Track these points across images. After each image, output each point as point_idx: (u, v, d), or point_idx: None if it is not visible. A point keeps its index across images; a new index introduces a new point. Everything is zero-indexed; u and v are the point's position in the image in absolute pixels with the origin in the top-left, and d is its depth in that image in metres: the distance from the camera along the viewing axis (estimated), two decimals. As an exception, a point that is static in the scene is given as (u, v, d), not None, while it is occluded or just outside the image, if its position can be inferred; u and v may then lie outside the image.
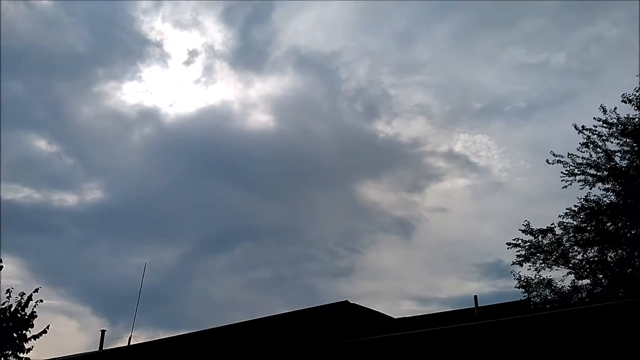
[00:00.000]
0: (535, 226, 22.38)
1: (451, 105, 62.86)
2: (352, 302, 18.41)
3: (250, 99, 64.07)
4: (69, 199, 54.24)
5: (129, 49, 60.29)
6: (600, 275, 22.18)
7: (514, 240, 22.64)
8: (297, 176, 57.29)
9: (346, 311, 18.40)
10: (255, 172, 56.43)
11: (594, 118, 20.63)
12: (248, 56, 65.44)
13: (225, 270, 52.53)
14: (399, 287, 51.89)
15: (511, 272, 23.17)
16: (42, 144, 54.35)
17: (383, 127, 60.64)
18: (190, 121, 61.06)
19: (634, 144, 20.23)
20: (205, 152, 56.21)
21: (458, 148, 59.29)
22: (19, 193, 50.63)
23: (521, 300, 23.05)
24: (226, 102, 63.56)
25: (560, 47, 57.09)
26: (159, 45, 62.08)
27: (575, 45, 54.47)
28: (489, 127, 59.96)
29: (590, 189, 21.15)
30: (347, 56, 65.59)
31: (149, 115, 60.29)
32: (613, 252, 21.55)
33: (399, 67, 66.08)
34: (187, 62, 63.75)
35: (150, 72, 62.15)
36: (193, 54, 64.27)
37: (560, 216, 21.83)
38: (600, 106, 20.51)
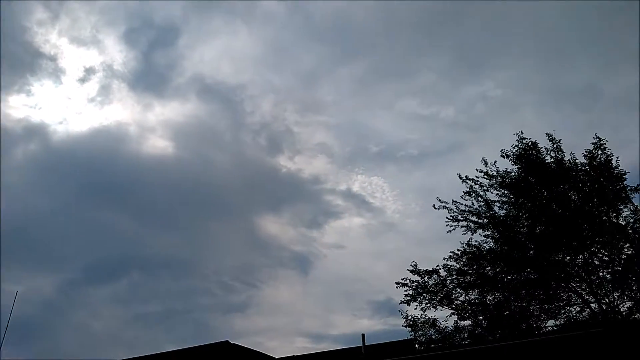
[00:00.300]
0: (422, 267, 23.36)
1: (351, 147, 65.28)
2: (232, 342, 17.93)
3: (149, 123, 61.75)
4: None
5: (18, 60, 56.15)
6: (481, 317, 23.40)
7: (402, 279, 23.44)
8: (195, 206, 55.38)
9: (226, 351, 17.88)
10: (149, 199, 53.61)
11: (477, 169, 22.09)
12: (149, 79, 63.51)
13: (109, 301, 48.80)
14: (294, 323, 51.49)
15: (399, 311, 23.97)
16: None
17: (285, 162, 61.36)
18: (81, 141, 57.71)
19: (511, 196, 21.81)
20: (96, 174, 52.73)
21: (356, 188, 61.22)
22: None
23: (407, 340, 23.72)
24: (122, 124, 60.85)
25: (450, 102, 61.49)
26: (52, 59, 58.20)
27: (463, 101, 59.02)
28: (384, 170, 62.84)
29: (472, 234, 22.45)
30: (253, 90, 65.85)
31: (35, 132, 56.35)
32: (492, 295, 22.87)
33: (303, 106, 67.63)
34: (83, 80, 61.24)
35: (40, 86, 59.24)
36: (90, 71, 60.86)
37: (444, 259, 22.96)
38: (482, 159, 22.04)
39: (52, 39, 57.38)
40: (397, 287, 23.47)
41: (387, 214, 58.86)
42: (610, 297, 20.91)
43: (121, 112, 63.54)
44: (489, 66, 59.88)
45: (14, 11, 53.16)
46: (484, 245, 22.38)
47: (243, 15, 63.34)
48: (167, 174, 55.78)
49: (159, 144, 59.90)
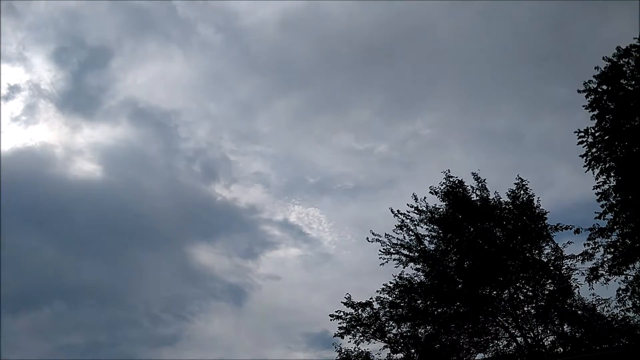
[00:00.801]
0: (357, 299, 23.57)
1: (288, 178, 66.26)
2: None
3: (77, 145, 61.28)
4: None
5: None
6: (413, 350, 23.66)
7: (336, 312, 23.54)
8: (123, 233, 53.70)
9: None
10: (74, 225, 51.84)
11: (407, 204, 22.70)
12: (79, 100, 62.39)
13: (29, 332, 46.49)
14: (227, 356, 50.52)
15: (333, 344, 24.05)
16: None
17: (221, 191, 61.28)
18: (2, 161, 54.58)
19: (440, 231, 22.45)
20: (17, 196, 50.30)
21: (293, 218, 61.83)
22: None
23: (341, 373, 23.80)
24: (48, 145, 60.36)
25: (384, 139, 63.66)
26: None
27: (396, 138, 61.17)
28: (320, 202, 64.06)
29: (404, 267, 22.84)
30: (188, 116, 66.23)
31: None
32: (423, 328, 23.23)
33: (239, 135, 68.49)
34: (7, 97, 60.85)
35: None
36: (14, 89, 59.93)
37: (377, 291, 23.23)
38: (413, 194, 22.69)
39: None
40: (331, 320, 23.61)
41: (324, 245, 59.43)
42: (534, 331, 21.58)
43: (47, 132, 62.31)
44: (420, 107, 62.45)
45: None
46: (415, 278, 22.81)
47: (179, 42, 63.52)
48: (94, 199, 54.12)
49: (86, 168, 58.66)
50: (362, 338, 23.38)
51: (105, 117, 60.96)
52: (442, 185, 22.21)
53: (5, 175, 50.83)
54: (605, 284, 18.30)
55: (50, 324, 47.32)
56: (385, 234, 22.81)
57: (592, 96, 16.48)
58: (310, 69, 66.81)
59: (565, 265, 21.16)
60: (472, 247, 21.60)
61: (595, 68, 16.44)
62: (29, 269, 48.02)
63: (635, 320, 19.29)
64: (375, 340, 23.50)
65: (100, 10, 61.38)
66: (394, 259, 22.86)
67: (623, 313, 19.18)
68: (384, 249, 22.86)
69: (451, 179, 22.12)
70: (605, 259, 17.67)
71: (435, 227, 22.42)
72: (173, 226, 56.52)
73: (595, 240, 17.53)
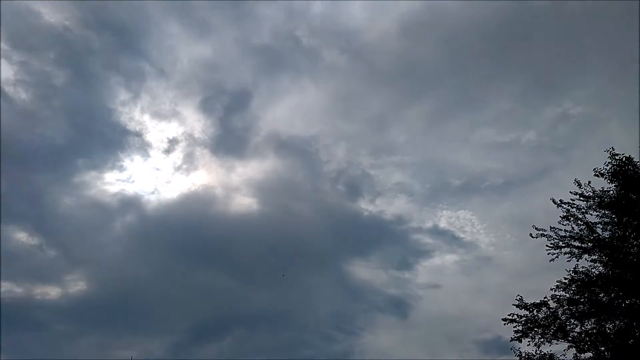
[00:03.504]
0: (528, 300, 22.39)
1: (431, 183, 65.00)
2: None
3: (233, 183, 66.48)
4: (52, 292, 53.52)
5: (109, 140, 62.85)
6: (602, 348, 21.80)
7: (509, 315, 22.51)
8: (284, 258, 57.01)
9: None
10: (240, 256, 56.14)
11: (570, 192, 21.25)
12: (228, 143, 68.56)
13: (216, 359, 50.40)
14: None
15: (511, 349, 22.92)
16: (22, 237, 54.98)
17: (367, 206, 62.12)
18: (172, 207, 62.63)
19: (613, 215, 20.68)
20: (189, 238, 56.44)
21: (443, 224, 60.21)
22: (-1, 288, 49.11)
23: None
24: (208, 187, 65.53)
25: (529, 126, 59.77)
26: (138, 135, 65.01)
27: (544, 123, 56.91)
28: (469, 203, 61.51)
29: (577, 260, 21.37)
30: (326, 139, 68.76)
31: (130, 204, 62.14)
32: (611, 323, 21.35)
33: (376, 149, 69.21)
34: (168, 150, 67.99)
35: (131, 161, 65.85)
36: (173, 142, 67.18)
37: (551, 289, 21.84)
38: (575, 180, 21.20)
39: (136, 116, 63.83)
40: (504, 324, 22.62)
41: (481, 247, 57.37)
42: None
43: (206, 176, 68.53)
44: (565, 85, 58.15)
45: (101, 96, 59.73)
46: (593, 270, 21.20)
47: (308, 71, 67.28)
48: (254, 229, 58.66)
49: (244, 202, 63.56)
50: (542, 340, 22.11)
51: (254, 153, 67.53)
52: (607, 165, 20.57)
53: (177, 219, 58.34)
54: None
55: (233, 350, 51.02)
56: (551, 227, 21.64)
57: None
58: (438, 70, 66.71)
59: None
60: (656, 228, 19.61)
61: None
62: (209, 302, 53.10)
63: None
64: (558, 340, 22.07)
65: (234, 57, 68.67)
66: (565, 253, 21.55)
67: None
68: (551, 243, 21.64)
69: (617, 157, 20.39)
70: None
71: (607, 212, 20.74)
72: (328, 246, 59.70)
73: None
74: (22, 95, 57.97)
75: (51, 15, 59.99)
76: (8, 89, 57.14)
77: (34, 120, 57.70)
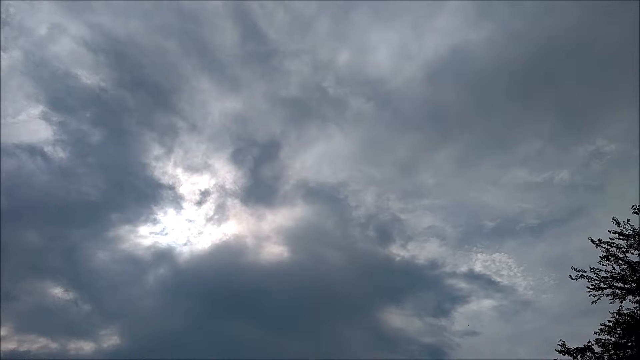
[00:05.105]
0: (571, 345, 21.50)
1: (463, 226, 63.87)
2: None
3: (263, 232, 66.51)
4: (86, 347, 53.14)
5: (142, 194, 64.52)
6: (654, 395, 20.59)
7: (553, 361, 21.65)
8: (316, 306, 56.28)
9: None
10: (271, 305, 55.71)
11: (609, 231, 20.76)
12: (258, 192, 69.53)
13: None
14: None
15: (557, 396, 21.82)
16: (57, 292, 54.88)
17: (398, 251, 61.14)
18: (204, 258, 62.90)
19: (656, 254, 20.08)
20: (220, 288, 56.66)
21: (478, 268, 58.56)
22: (34, 344, 50.19)
23: None
24: (239, 236, 65.98)
25: (561, 166, 58.91)
26: (171, 188, 66.59)
27: (576, 162, 56.03)
28: (504, 246, 59.90)
29: (621, 302, 20.59)
30: (354, 186, 69.09)
31: (163, 256, 62.29)
32: (662, 368, 20.25)
33: (405, 193, 68.96)
34: (200, 202, 68.83)
35: (164, 213, 66.49)
36: (205, 194, 68.57)
37: (595, 332, 21.02)
38: (613, 219, 20.76)
39: (169, 170, 65.77)
40: (548, 371, 21.70)
41: (519, 291, 55.38)
42: None
43: (237, 226, 69.07)
44: (597, 122, 57.65)
45: (135, 152, 62.06)
46: (639, 312, 20.35)
47: (335, 119, 68.80)
48: (285, 278, 58.36)
49: (274, 250, 63.42)
50: (589, 387, 21.01)
51: (283, 202, 68.17)
52: (645, 203, 20.16)
53: (209, 270, 58.59)
54: None
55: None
56: (590, 268, 21.05)
57: None
58: (465, 114, 67.24)
59: None
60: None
61: None
62: (241, 353, 51.98)
63: None
64: (606, 387, 20.94)
65: (263, 110, 71.06)
66: (607, 294, 20.81)
67: None
68: (592, 285, 20.99)
69: (656, 194, 20.03)
70: None
71: (648, 250, 20.12)
72: (360, 293, 58.75)
73: None
74: (60, 154, 60.59)
75: (88, 77, 63.31)
76: (47, 149, 59.89)
77: (70, 178, 60.11)
